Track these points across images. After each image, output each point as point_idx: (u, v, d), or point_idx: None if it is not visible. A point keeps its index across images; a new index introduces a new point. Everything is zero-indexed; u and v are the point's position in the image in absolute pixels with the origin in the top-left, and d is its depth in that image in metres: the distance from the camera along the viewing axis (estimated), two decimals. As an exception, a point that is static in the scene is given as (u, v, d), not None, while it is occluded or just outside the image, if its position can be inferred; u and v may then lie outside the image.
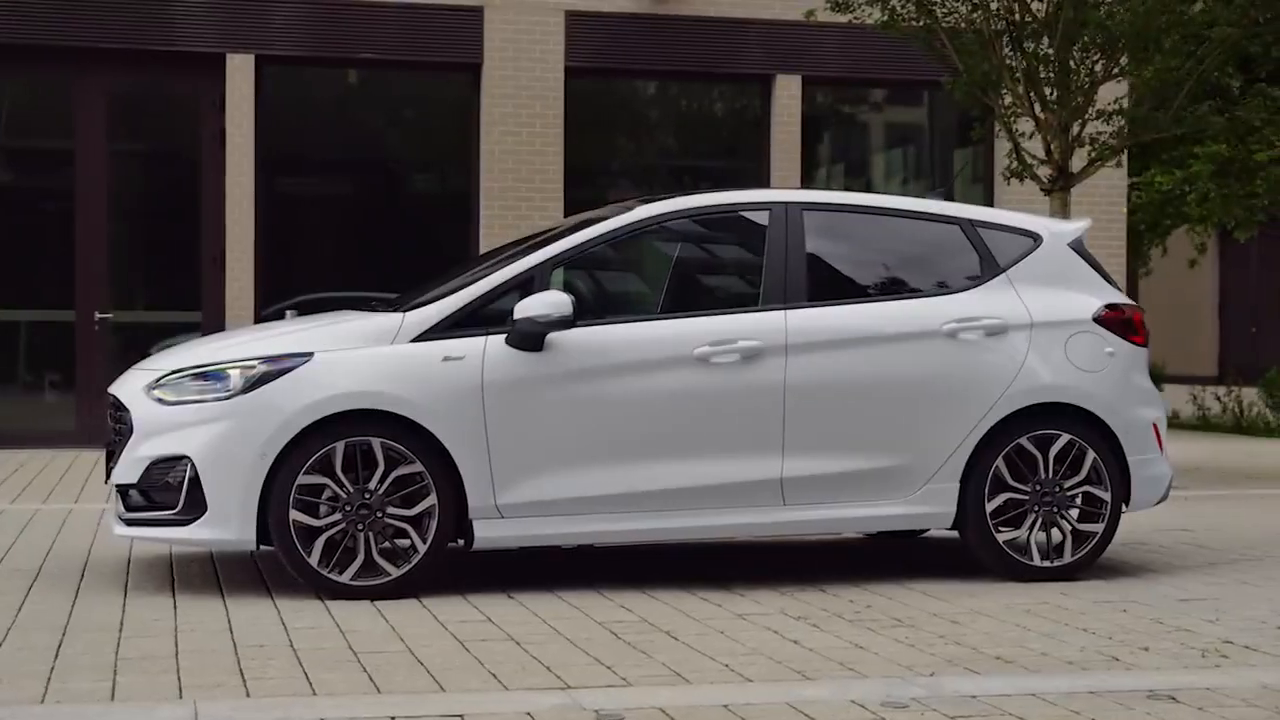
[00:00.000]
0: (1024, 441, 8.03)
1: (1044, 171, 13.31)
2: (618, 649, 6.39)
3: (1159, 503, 8.49)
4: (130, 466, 7.55)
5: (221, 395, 7.44)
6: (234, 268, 15.70)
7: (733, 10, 16.76)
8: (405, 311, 7.71)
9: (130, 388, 7.75)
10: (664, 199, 8.14)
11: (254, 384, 7.42)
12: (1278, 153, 20.80)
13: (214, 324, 15.64)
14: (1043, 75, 13.03)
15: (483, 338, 7.60)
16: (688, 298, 8.22)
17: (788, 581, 8.02)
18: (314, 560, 7.37)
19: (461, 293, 7.72)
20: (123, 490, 7.65)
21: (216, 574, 8.13)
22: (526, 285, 7.72)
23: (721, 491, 7.76)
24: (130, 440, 7.56)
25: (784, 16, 16.77)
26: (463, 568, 8.06)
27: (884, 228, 8.33)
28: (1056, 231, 8.46)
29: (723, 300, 8.14)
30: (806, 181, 17.17)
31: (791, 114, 16.96)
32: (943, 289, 8.20)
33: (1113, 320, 8.31)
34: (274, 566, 8.26)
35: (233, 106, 15.71)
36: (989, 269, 8.25)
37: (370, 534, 7.41)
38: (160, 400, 7.55)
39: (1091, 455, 8.08)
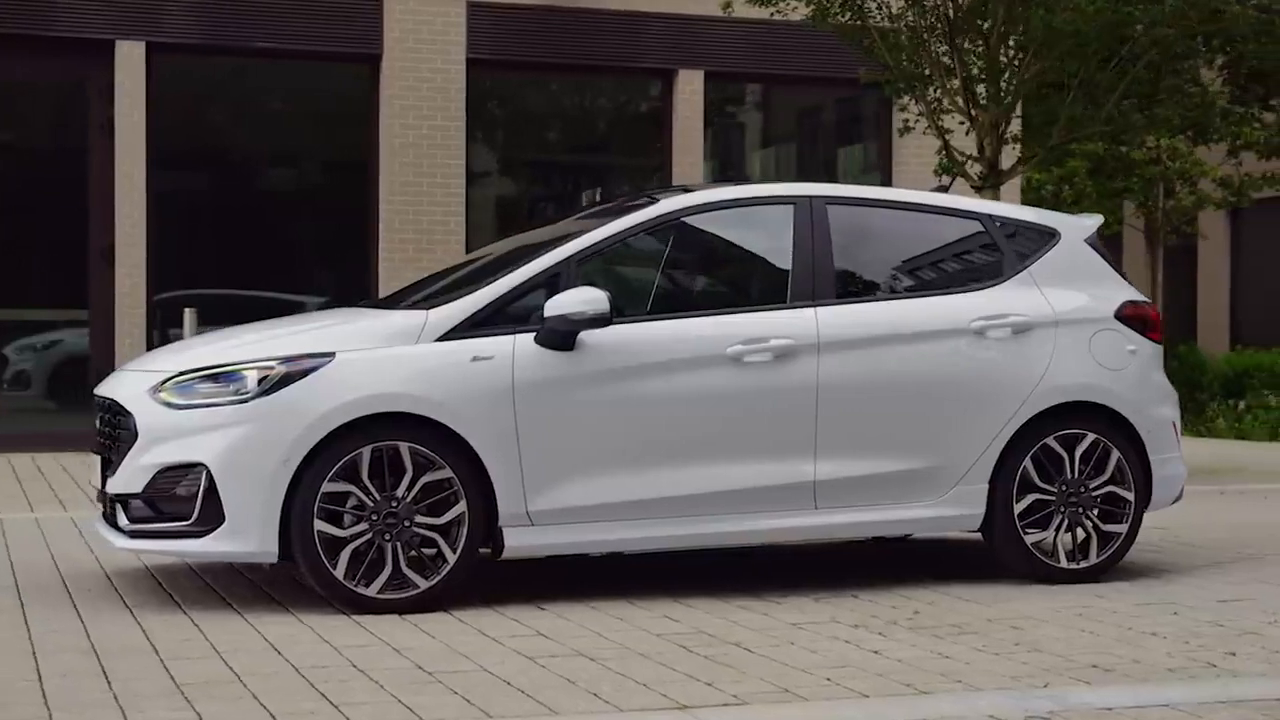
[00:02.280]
0: (1050, 441, 7.87)
1: (974, 169, 13.24)
2: (698, 663, 6.07)
3: (1174, 502, 8.39)
4: (134, 475, 7.05)
5: (237, 398, 6.97)
6: (124, 262, 15.05)
7: (636, 4, 16.48)
8: (428, 309, 7.29)
9: (130, 390, 7.23)
10: (686, 192, 7.84)
11: (274, 386, 6.96)
12: (1153, 152, 21.15)
13: (103, 321, 15.00)
14: (976, 73, 12.96)
15: (511, 336, 7.22)
16: (716, 294, 7.91)
17: (814, 587, 7.75)
18: (340, 573, 6.94)
19: (486, 290, 7.32)
20: (123, 500, 7.13)
21: (212, 588, 7.64)
22: (553, 282, 7.35)
23: (755, 495, 7.48)
24: (134, 447, 7.05)
25: (687, 10, 16.55)
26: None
27: (906, 222, 8.12)
28: (1074, 227, 8.32)
29: (752, 297, 7.82)
30: (706, 176, 16.95)
31: (694, 109, 16.73)
32: (967, 286, 8.01)
33: (1133, 317, 8.19)
34: (267, 578, 7.81)
35: (122, 95, 15.05)
36: (1011, 265, 8.08)
37: (398, 544, 6.99)
38: (168, 404, 7.05)
39: (1116, 455, 7.95)
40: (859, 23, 13.41)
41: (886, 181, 17.35)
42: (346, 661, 6.03)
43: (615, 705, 5.42)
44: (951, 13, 12.80)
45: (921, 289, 8.00)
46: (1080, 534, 7.97)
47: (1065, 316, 8.01)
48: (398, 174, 15.77)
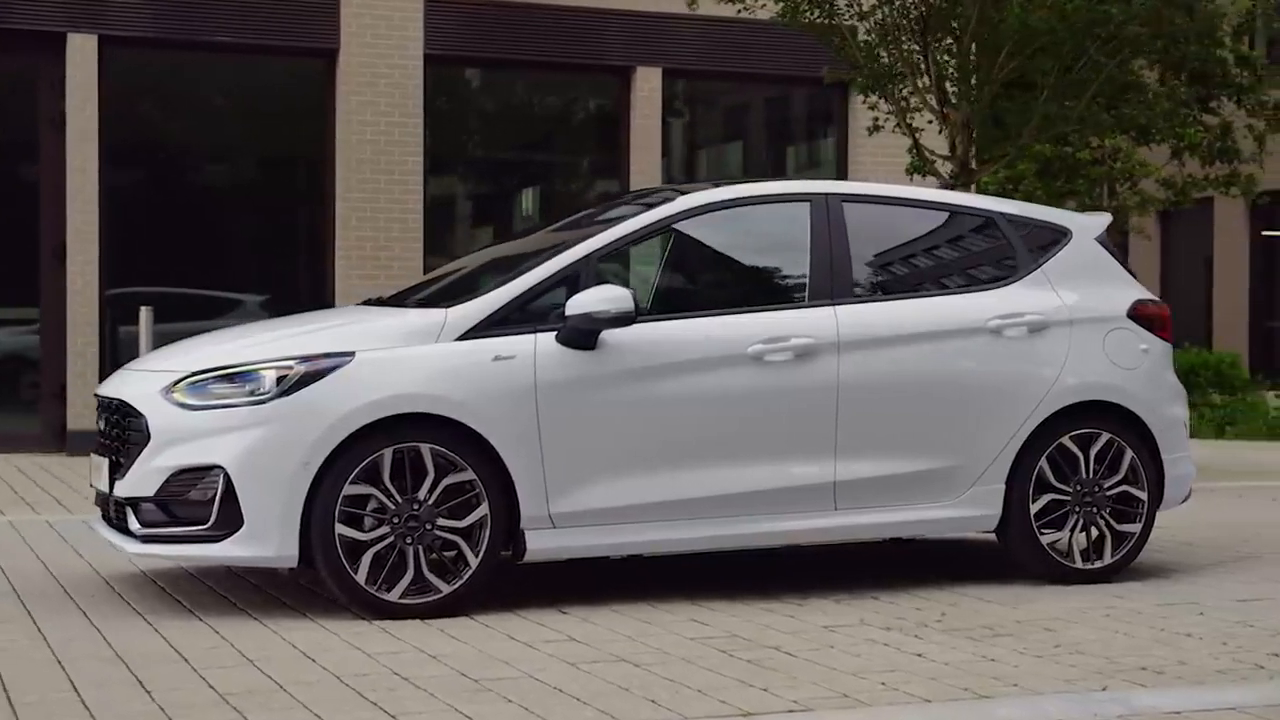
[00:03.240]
0: (1066, 441, 7.82)
1: (946, 168, 13.21)
2: (743, 668, 5.95)
3: (1183, 502, 8.36)
4: (145, 477, 6.84)
5: (256, 399, 6.78)
6: (76, 260, 14.72)
7: (594, 0, 16.32)
8: (447, 308, 7.12)
9: (139, 390, 7.02)
10: (702, 189, 7.71)
11: (293, 386, 6.77)
12: (1098, 153, 21.25)
13: (54, 320, 14.69)
14: (949, 71, 12.92)
15: (531, 335, 7.07)
16: (735, 293, 7.77)
17: (830, 588, 7.66)
18: (361, 578, 6.76)
19: (506, 288, 7.16)
20: (133, 503, 6.92)
21: (217, 591, 7.44)
22: (572, 280, 7.21)
23: (776, 496, 7.37)
24: (146, 448, 6.84)
25: (645, 7, 16.42)
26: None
27: (920, 220, 8.06)
28: (1084, 226, 8.27)
29: (771, 295, 7.71)
30: (663, 174, 16.83)
31: (652, 106, 16.60)
32: (982, 284, 7.94)
33: (1144, 316, 8.15)
34: (271, 581, 7.63)
35: (74, 89, 14.73)
36: (1024, 264, 8.02)
37: (419, 547, 6.83)
38: (182, 404, 6.85)
39: (1129, 454, 7.90)
40: (828, 21, 13.33)
41: (841, 177, 17.31)
42: (385, 669, 5.86)
43: (677, 712, 5.29)
44: (924, 10, 12.74)
45: (937, 287, 7.92)
46: (1094, 534, 7.91)
47: (1079, 315, 7.96)
48: (354, 171, 15.54)
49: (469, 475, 6.87)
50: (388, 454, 6.78)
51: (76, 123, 14.71)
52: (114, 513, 7.16)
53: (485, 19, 16.11)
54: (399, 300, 7.90)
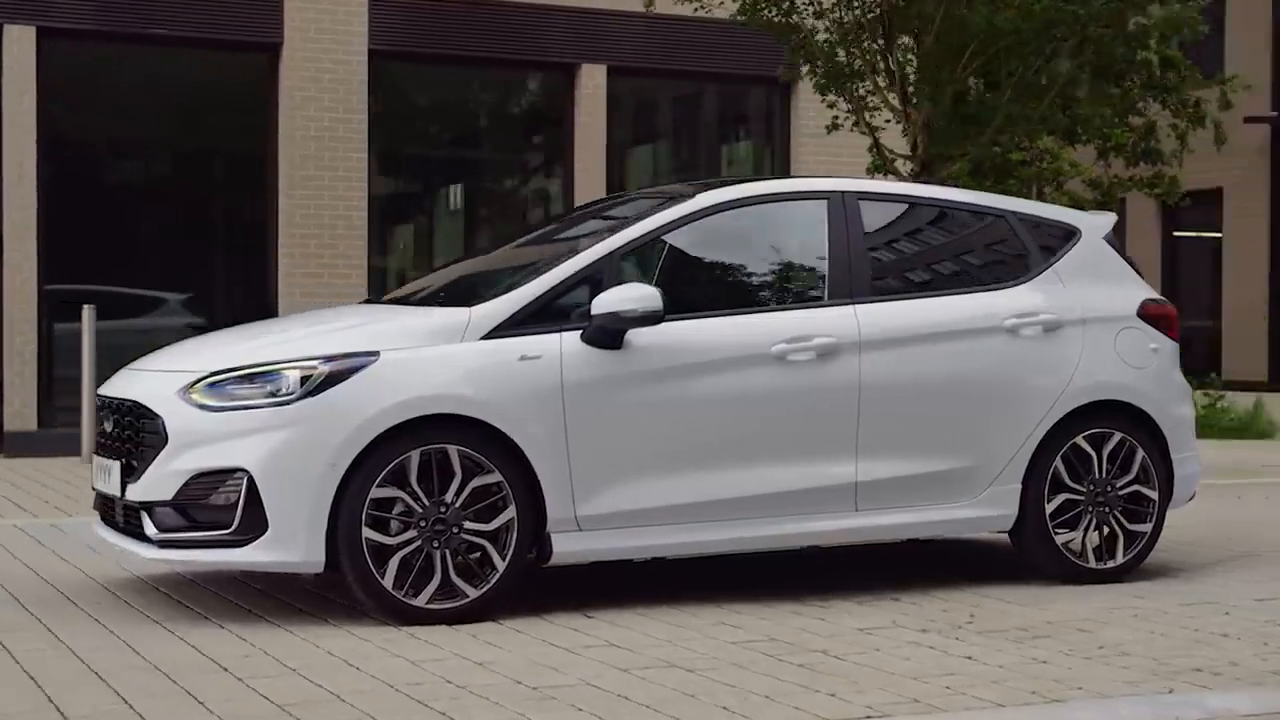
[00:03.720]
0: (1079, 440, 7.78)
1: (906, 167, 13.20)
2: (798, 673, 5.84)
3: (1189, 500, 8.36)
4: (162, 481, 6.62)
5: (279, 400, 6.58)
6: (13, 257, 14.42)
7: (539, -4, 16.20)
8: (471, 306, 6.95)
9: (153, 390, 6.80)
10: (722, 185, 7.59)
11: (318, 387, 6.58)
12: (1029, 153, 21.37)
13: (-9, 319, 14.31)
14: (910, 70, 12.91)
15: (557, 335, 6.92)
16: (756, 291, 7.65)
17: (847, 588, 7.58)
18: (388, 582, 6.58)
19: (529, 286, 7.00)
20: (148, 507, 6.69)
21: (224, 597, 7.23)
22: (595, 278, 7.06)
23: (799, 497, 7.28)
24: (163, 451, 6.62)
25: (590, 4, 16.30)
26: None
27: (934, 218, 8.01)
28: (1092, 225, 8.24)
29: (791, 294, 7.61)
30: (607, 172, 16.70)
31: (596, 103, 16.49)
32: (996, 283, 7.89)
33: (1153, 315, 8.14)
34: (275, 586, 7.43)
35: (11, 82, 14.41)
36: (1036, 263, 7.98)
37: (446, 551, 6.66)
38: (201, 406, 6.63)
39: (1140, 454, 7.89)
40: (786, 20, 13.28)
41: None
42: (436, 677, 5.70)
43: (753, 719, 5.18)
44: (886, 9, 12.71)
45: (952, 286, 7.85)
46: (1106, 533, 7.88)
47: (1092, 315, 7.93)
48: (298, 167, 15.29)
49: (496, 477, 6.71)
50: (415, 456, 6.61)
51: (14, 116, 14.38)
52: (123, 517, 6.92)
53: (429, 14, 15.92)
54: (403, 298, 7.72)
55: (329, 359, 6.65)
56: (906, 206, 7.95)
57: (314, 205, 15.34)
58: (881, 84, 13.00)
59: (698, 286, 7.54)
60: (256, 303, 15.28)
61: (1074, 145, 21.13)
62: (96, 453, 7.27)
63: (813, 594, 7.49)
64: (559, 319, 6.98)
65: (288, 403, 6.56)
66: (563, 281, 7.04)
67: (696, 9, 13.63)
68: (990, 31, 12.19)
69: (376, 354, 6.68)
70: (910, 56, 12.84)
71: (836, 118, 13.72)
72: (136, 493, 6.72)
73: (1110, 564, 7.86)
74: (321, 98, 15.37)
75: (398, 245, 17.18)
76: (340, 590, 7.21)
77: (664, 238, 7.33)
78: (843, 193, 7.67)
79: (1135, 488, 7.90)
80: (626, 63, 16.64)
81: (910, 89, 12.95)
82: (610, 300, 6.88)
